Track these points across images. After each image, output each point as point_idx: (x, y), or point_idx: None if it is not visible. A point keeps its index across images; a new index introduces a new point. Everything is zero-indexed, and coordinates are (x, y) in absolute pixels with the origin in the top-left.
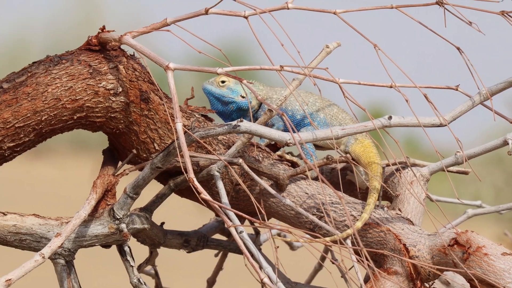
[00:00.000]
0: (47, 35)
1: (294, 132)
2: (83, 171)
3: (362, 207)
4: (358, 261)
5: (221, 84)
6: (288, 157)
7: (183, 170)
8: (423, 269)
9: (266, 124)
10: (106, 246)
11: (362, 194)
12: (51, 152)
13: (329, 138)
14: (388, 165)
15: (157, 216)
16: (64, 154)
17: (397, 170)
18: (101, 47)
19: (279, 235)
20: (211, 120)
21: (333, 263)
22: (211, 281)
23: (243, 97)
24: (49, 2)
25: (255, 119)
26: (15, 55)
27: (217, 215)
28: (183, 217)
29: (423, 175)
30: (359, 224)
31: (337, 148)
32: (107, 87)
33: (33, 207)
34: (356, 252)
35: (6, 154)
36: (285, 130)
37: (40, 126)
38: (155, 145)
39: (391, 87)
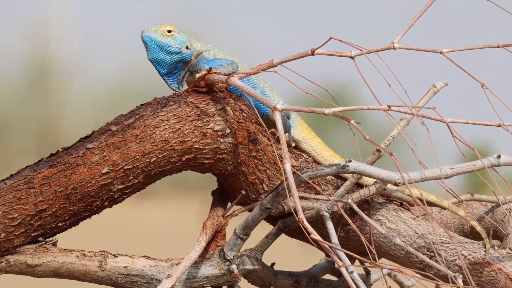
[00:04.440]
0: (154, 76)
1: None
2: (188, 212)
3: (473, 247)
4: None
5: (167, 33)
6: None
7: (292, 211)
8: None
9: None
10: (217, 287)
11: (472, 234)
12: (156, 193)
13: (438, 178)
14: (498, 204)
15: (265, 257)
16: (169, 196)
17: (507, 209)
18: (208, 88)
19: (389, 275)
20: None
21: None
22: None
23: (187, 48)
24: None
25: (190, 72)
26: (122, 97)
27: (327, 255)
28: (289, 258)
29: None
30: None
31: (445, 188)
32: (215, 129)
33: (141, 248)
34: None
35: (116, 196)
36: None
37: (149, 168)
38: (264, 185)
39: (499, 126)
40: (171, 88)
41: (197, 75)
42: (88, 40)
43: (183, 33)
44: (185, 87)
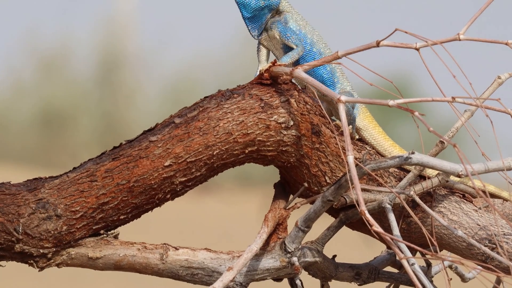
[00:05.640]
0: (217, 71)
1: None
2: (249, 206)
3: None
4: None
5: None
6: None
7: (354, 203)
8: None
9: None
10: (277, 279)
11: None
12: (218, 187)
13: (501, 169)
14: None
15: (325, 249)
16: (230, 189)
17: None
18: (273, 81)
19: (450, 267)
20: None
21: None
22: None
23: None
24: (220, 41)
25: (266, 29)
26: (186, 90)
27: (388, 247)
28: (349, 250)
29: None
30: None
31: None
32: (279, 121)
33: (202, 242)
34: None
35: (178, 189)
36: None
37: (212, 160)
38: (326, 178)
39: None
40: (251, 34)
41: (262, 67)
42: (154, 34)
43: None
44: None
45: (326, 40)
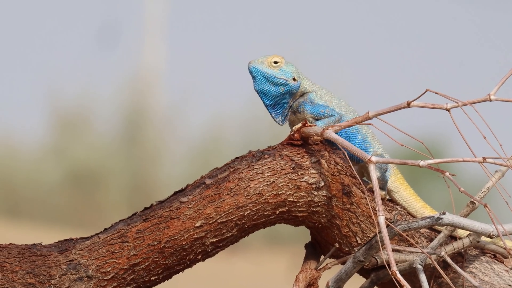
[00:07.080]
0: (244, 130)
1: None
2: (278, 265)
3: None
4: None
5: (273, 64)
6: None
7: (385, 264)
8: None
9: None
10: None
11: None
12: (246, 246)
13: None
14: None
15: None
16: (259, 249)
17: None
18: (303, 141)
19: None
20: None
21: None
22: None
23: (294, 79)
24: (245, 101)
25: (293, 111)
26: (213, 149)
27: None
28: None
29: None
30: None
31: None
32: (309, 182)
33: None
34: None
35: (209, 250)
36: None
37: (243, 221)
38: (357, 238)
39: None
40: (275, 120)
41: (293, 128)
42: (181, 91)
43: (290, 65)
44: (287, 125)
45: (354, 105)
